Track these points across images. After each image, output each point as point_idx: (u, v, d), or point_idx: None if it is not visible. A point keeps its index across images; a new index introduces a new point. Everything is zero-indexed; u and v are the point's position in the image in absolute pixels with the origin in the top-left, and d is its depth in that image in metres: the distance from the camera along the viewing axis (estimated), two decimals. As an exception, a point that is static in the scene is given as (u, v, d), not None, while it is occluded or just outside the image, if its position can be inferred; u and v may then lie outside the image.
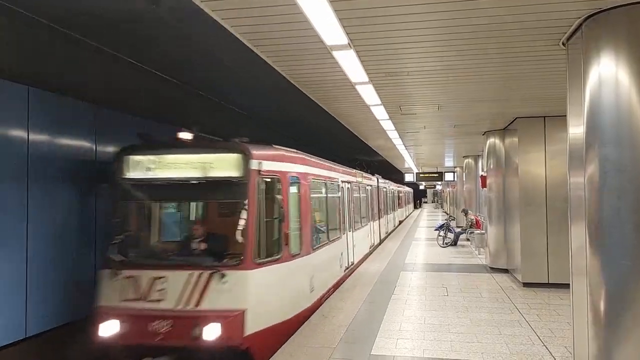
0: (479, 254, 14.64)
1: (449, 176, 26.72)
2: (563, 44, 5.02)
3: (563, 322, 7.13)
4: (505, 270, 11.34)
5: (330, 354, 5.93)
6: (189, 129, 6.97)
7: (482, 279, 10.79)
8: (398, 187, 30.69)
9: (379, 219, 19.34)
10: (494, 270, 11.69)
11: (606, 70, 4.14)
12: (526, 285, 9.65)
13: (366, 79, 6.57)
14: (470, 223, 17.65)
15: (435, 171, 28.69)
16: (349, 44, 5.07)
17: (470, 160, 20.44)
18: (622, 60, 4.05)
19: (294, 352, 6.08)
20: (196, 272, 6.04)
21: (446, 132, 12.49)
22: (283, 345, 6.35)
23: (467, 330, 6.89)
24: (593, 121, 4.28)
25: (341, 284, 10.45)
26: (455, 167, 27.03)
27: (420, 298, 8.94)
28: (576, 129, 4.67)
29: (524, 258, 9.68)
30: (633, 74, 3.99)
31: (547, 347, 6.11)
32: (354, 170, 14.42)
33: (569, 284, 5.04)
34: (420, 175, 28.02)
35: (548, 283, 9.42)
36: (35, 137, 7.11)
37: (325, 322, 7.40)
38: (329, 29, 4.63)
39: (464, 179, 22.32)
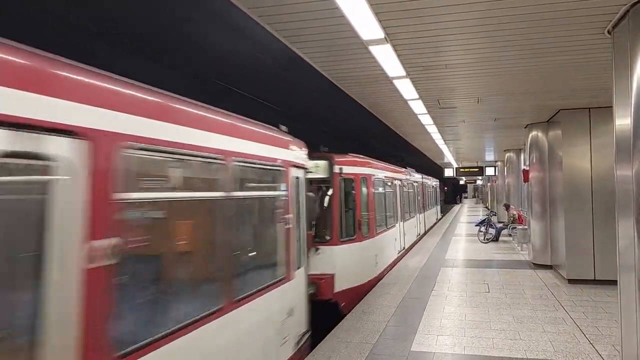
0: (522, 250, 14.30)
1: (489, 171, 26.17)
2: (608, 32, 4.83)
3: (611, 320, 6.89)
4: (549, 267, 11.04)
5: (370, 350, 5.93)
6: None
7: (524, 276, 10.53)
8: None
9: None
10: (537, 266, 11.39)
11: (655, 58, 3.97)
12: (571, 281, 9.37)
13: (403, 73, 6.51)
14: (512, 218, 17.25)
15: (476, 166, 28.13)
16: (385, 38, 5.03)
17: (511, 154, 19.98)
18: None
19: (335, 346, 6.11)
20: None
21: (486, 125, 12.24)
22: (322, 341, 6.39)
23: (509, 327, 6.75)
24: (641, 112, 4.11)
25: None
26: (496, 161, 26.45)
27: (460, 294, 8.81)
28: (623, 120, 4.49)
29: (569, 254, 9.39)
30: None
31: (593, 346, 5.92)
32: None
33: (616, 281, 4.87)
34: (460, 170, 27.51)
35: (594, 280, 9.12)
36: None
37: (365, 317, 7.40)
38: (365, 23, 4.61)
39: (506, 174, 21.84)
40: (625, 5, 4.22)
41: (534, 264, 11.58)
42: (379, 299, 8.61)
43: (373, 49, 5.40)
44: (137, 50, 6.26)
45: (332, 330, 6.80)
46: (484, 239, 17.04)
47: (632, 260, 4.29)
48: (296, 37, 5.10)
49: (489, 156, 23.97)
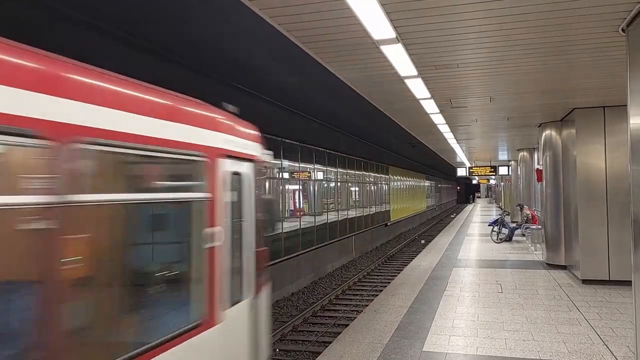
0: (535, 250, 14.15)
1: (503, 170, 25.90)
2: (623, 30, 4.76)
3: (626, 321, 6.79)
4: (563, 267, 10.91)
5: (382, 350, 5.91)
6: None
7: (538, 276, 10.43)
8: None
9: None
10: (551, 266, 11.27)
11: (671, 56, 3.90)
12: (585, 282, 9.25)
13: (415, 72, 6.48)
14: (525, 218, 17.08)
15: (489, 165, 27.91)
16: (396, 37, 5.01)
17: (525, 154, 19.80)
18: None
19: (345, 347, 6.10)
20: None
21: (499, 125, 12.14)
22: (334, 340, 6.39)
23: (522, 328, 6.68)
24: (656, 110, 4.04)
25: None
26: (509, 160, 26.23)
27: (473, 295, 8.75)
28: (638, 119, 4.42)
29: (584, 254, 9.27)
30: None
31: (607, 347, 5.84)
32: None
33: (631, 282, 4.80)
34: (473, 169, 27.31)
35: (609, 280, 8.99)
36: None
37: (376, 317, 7.38)
38: (376, 23, 4.60)
39: (519, 173, 21.64)
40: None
41: (548, 264, 11.46)
42: (391, 298, 8.58)
43: (384, 48, 5.38)
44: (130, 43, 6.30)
45: (344, 330, 6.79)
46: (497, 239, 16.91)
47: (647, 261, 4.23)
48: (307, 37, 5.10)
49: (502, 155, 23.78)
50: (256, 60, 7.37)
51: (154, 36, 5.69)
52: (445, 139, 15.25)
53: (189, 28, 5.78)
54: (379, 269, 18.42)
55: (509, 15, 4.52)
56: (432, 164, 37.61)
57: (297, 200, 16.39)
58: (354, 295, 14.12)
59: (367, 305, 8.73)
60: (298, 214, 16.07)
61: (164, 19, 5.42)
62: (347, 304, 12.93)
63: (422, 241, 25.33)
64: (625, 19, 4.54)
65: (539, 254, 13.31)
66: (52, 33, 5.21)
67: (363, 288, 15.00)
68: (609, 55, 5.82)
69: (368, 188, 26.10)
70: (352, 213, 22.03)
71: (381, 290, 10.70)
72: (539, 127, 11.86)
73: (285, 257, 13.74)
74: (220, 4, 5.19)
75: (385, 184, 30.01)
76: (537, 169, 13.09)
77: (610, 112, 9.14)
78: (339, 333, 7.55)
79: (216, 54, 6.90)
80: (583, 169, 9.34)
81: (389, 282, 11.45)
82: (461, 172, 28.41)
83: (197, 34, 5.90)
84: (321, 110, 12.12)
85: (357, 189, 23.84)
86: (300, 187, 16.59)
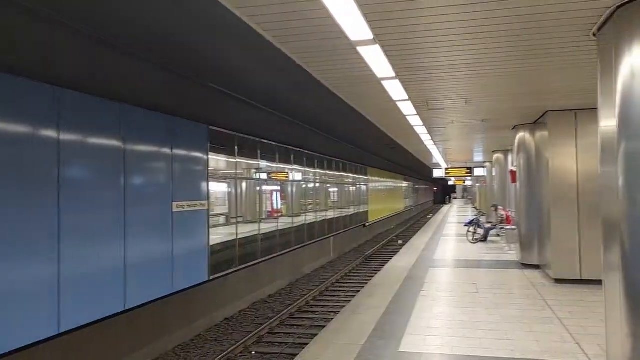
0: (510, 250, 14.37)
1: (478, 171, 26.28)
2: (594, 34, 4.87)
3: (596, 319, 6.93)
4: (537, 267, 11.11)
5: (358, 351, 5.92)
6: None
7: (512, 276, 10.59)
8: None
9: None
10: (525, 266, 11.46)
11: (638, 61, 4.00)
12: (558, 281, 9.43)
13: (392, 74, 6.51)
14: (500, 219, 17.35)
15: (465, 166, 28.26)
16: (374, 39, 5.02)
17: (500, 155, 20.09)
18: None
19: (322, 349, 6.09)
20: None
21: (475, 127, 12.29)
22: (311, 342, 6.37)
23: (497, 327, 6.77)
24: (625, 114, 4.14)
25: None
26: (485, 162, 26.58)
27: (449, 295, 8.83)
28: (608, 122, 4.52)
29: (556, 254, 9.46)
30: None
31: (579, 345, 5.96)
32: None
33: (601, 281, 4.90)
34: (449, 170, 27.62)
35: (581, 279, 9.19)
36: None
37: (353, 318, 7.39)
38: (354, 24, 4.60)
39: (494, 174, 21.95)
40: (610, 7, 4.25)
41: (522, 264, 11.65)
42: (368, 299, 8.60)
43: (362, 49, 5.39)
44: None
45: (321, 331, 6.78)
46: (472, 239, 17.12)
47: (616, 260, 4.32)
48: (284, 37, 5.07)
49: (478, 157, 24.09)
50: (233, 61, 7.31)
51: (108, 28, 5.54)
52: (422, 141, 15.37)
53: (159, 25, 5.69)
54: (357, 270, 18.48)
55: (484, 19, 4.57)
56: (410, 165, 37.89)
57: (274, 202, 16.32)
58: (331, 296, 14.13)
59: (345, 306, 8.74)
60: (276, 215, 16.01)
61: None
62: (324, 305, 12.93)
63: (400, 242, 25.51)
64: (596, 24, 4.64)
65: (513, 254, 13.52)
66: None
67: (341, 289, 15.02)
68: (580, 60, 5.94)
69: (347, 189, 26.16)
70: (330, 214, 22.04)
71: (359, 291, 10.73)
72: (513, 129, 12.06)
73: (262, 259, 13.67)
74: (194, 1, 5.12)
75: (363, 185, 30.13)
76: (511, 170, 13.29)
77: (582, 115, 9.34)
78: (315, 334, 7.53)
79: (192, 54, 6.82)
80: (555, 171, 9.53)
81: (367, 283, 11.49)
82: (438, 173, 28.76)
83: (166, 28, 5.80)
84: (299, 111, 12.09)
85: (336, 190, 23.87)
86: (279, 188, 16.53)
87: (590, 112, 8.89)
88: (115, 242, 7.91)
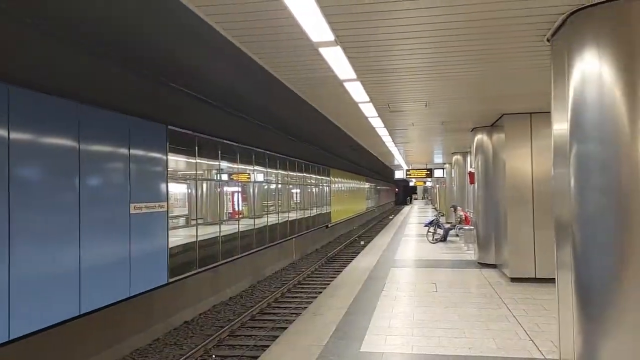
0: (468, 250, 14.68)
1: (438, 173, 26.74)
2: (548, 40, 5.01)
3: (549, 317, 7.15)
4: (494, 266, 11.38)
5: (320, 352, 5.91)
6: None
7: (470, 275, 10.82)
8: None
9: None
10: (483, 265, 11.72)
11: (590, 67, 4.13)
12: (514, 280, 9.68)
13: (354, 76, 6.53)
14: (459, 219, 17.70)
15: (425, 168, 28.74)
16: (335, 40, 5.02)
17: (459, 157, 20.49)
18: (606, 57, 4.02)
19: (283, 350, 6.05)
20: None
21: (435, 129, 12.50)
22: (272, 344, 6.32)
23: (455, 325, 6.89)
24: (577, 118, 4.28)
25: None
26: (444, 163, 27.08)
27: (409, 294, 8.94)
28: (560, 125, 4.67)
29: (512, 253, 9.71)
30: (616, 70, 3.96)
31: (533, 342, 6.12)
32: None
33: (554, 279, 5.05)
34: (410, 172, 28.03)
35: (535, 278, 9.45)
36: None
37: (315, 319, 7.38)
38: (315, 25, 4.58)
39: (453, 175, 22.37)
40: (563, 14, 4.39)
41: (480, 263, 11.91)
42: (330, 300, 8.61)
43: (323, 51, 5.38)
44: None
45: (282, 333, 6.74)
46: (432, 240, 17.40)
47: (568, 259, 4.46)
48: (246, 38, 5.01)
49: (438, 159, 24.54)
50: (193, 60, 7.18)
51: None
52: (383, 142, 15.53)
53: (117, 22, 5.53)
54: (319, 271, 18.50)
55: (442, 23, 4.64)
56: (372, 166, 38.27)
57: (235, 203, 16.14)
58: (293, 297, 14.09)
59: (306, 308, 8.72)
60: (237, 216, 15.84)
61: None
62: (286, 307, 12.88)
63: (362, 242, 25.69)
64: (550, 29, 4.78)
65: (471, 253, 13.81)
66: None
67: (303, 290, 15.00)
68: (535, 64, 6.11)
69: (309, 190, 26.17)
70: (293, 215, 21.99)
71: (320, 292, 10.73)
72: (471, 131, 12.32)
73: (223, 261, 13.50)
74: None
75: (326, 186, 30.21)
76: (470, 171, 13.57)
77: (537, 118, 9.60)
78: (277, 336, 7.48)
79: (152, 52, 6.67)
80: (511, 172, 9.78)
81: (329, 284, 11.51)
82: (399, 174, 29.07)
83: (124, 26, 5.64)
84: (261, 112, 12.01)
85: (298, 191, 23.83)
86: (240, 189, 16.36)
87: (545, 115, 9.13)
88: (70, 245, 7.64)
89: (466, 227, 15.41)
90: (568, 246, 4.47)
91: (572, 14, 4.32)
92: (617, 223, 3.96)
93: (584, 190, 4.21)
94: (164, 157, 10.39)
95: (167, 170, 10.48)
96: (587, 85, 4.15)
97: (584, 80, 4.18)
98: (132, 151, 9.24)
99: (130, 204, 9.13)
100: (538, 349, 5.89)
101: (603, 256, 4.05)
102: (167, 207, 10.39)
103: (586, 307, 4.17)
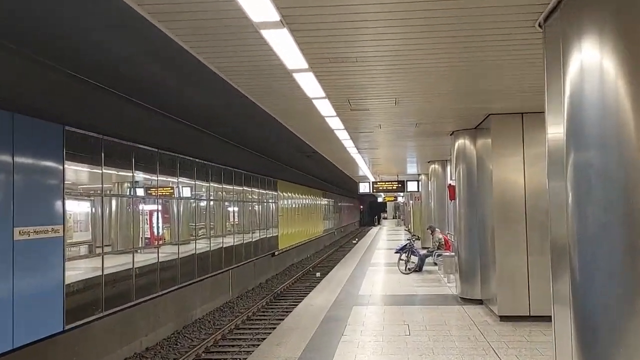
0: (448, 282, 14.90)
1: (412, 185, 27.09)
2: (540, 25, 5.16)
3: (547, 362, 7.36)
4: (480, 302, 11.57)
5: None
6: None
7: (451, 313, 10.99)
8: None
9: None
10: (466, 301, 11.92)
11: (589, 57, 4.20)
12: (503, 319, 9.86)
13: (305, 65, 6.57)
14: (437, 244, 17.93)
15: (396, 180, 29.11)
16: (281, 21, 5.04)
17: (436, 166, 20.80)
18: (608, 45, 4.05)
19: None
20: None
21: (407, 132, 12.70)
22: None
23: (432, 377, 6.97)
24: (574, 119, 4.37)
25: None
26: (419, 174, 27.47)
27: (376, 339, 8.99)
28: (555, 129, 4.78)
29: (501, 286, 9.87)
30: (621, 61, 3.96)
31: (527, 395, 6.27)
32: None
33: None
34: (378, 184, 28.31)
35: (529, 316, 9.63)
36: None
37: (256, 373, 7.31)
38: (256, 2, 4.59)
39: (430, 189, 22.65)
40: (558, -6, 4.54)
41: (462, 298, 12.11)
42: (275, 348, 8.54)
43: (266, 33, 5.39)
44: None
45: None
46: (405, 269, 17.58)
47: (566, 291, 4.54)
48: (166, 15, 4.95)
49: (411, 169, 24.94)
50: (95, 37, 7.04)
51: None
52: (344, 148, 15.65)
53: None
54: (263, 311, 18.36)
55: (413, 2, 4.72)
56: (331, 178, 38.48)
57: (154, 225, 15.84)
58: (229, 346, 13.92)
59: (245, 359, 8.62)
60: (156, 242, 15.55)
61: None
62: None
63: (317, 274, 25.71)
64: (542, 12, 4.92)
65: (452, 286, 14.03)
66: None
67: (241, 337, 14.86)
68: (525, 54, 6.31)
69: (250, 208, 25.99)
70: (229, 240, 21.76)
71: (264, 339, 10.63)
72: (451, 135, 12.56)
73: (138, 301, 13.18)
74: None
75: (272, 202, 30.11)
76: (450, 184, 13.82)
77: (530, 119, 9.79)
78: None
79: (40, 27, 6.51)
80: (499, 185, 9.95)
81: (275, 328, 11.43)
82: (364, 187, 29.32)
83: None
84: (189, 109, 11.88)
85: (236, 209, 23.63)
86: (160, 208, 16.08)
87: (540, 116, 9.43)
88: None
89: (446, 254, 15.66)
90: (566, 275, 4.55)
91: (567, -7, 4.45)
92: (625, 245, 3.97)
93: (584, 207, 4.28)
94: (60, 167, 10.10)
95: (64, 184, 10.19)
96: (586, 80, 4.22)
97: (582, 74, 4.26)
98: (17, 159, 8.94)
99: (14, 228, 8.81)
100: (533, 403, 6.03)
101: (607, 285, 4.07)
102: (64, 231, 10.07)
103: (589, 349, 4.25)
